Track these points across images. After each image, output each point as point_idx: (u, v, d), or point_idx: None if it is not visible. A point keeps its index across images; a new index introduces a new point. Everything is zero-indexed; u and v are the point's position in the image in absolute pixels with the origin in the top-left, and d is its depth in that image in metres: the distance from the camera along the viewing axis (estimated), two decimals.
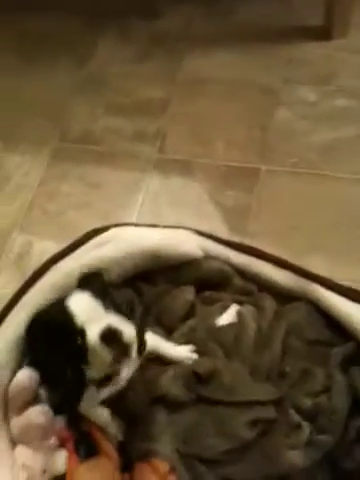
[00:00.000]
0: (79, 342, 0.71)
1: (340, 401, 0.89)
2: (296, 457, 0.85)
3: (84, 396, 0.81)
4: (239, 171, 1.33)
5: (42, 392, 0.93)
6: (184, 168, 1.38)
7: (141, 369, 0.87)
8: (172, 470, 0.83)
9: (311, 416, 0.89)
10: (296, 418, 0.89)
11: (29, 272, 1.05)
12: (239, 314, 1.01)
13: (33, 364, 0.94)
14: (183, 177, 1.37)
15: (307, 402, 0.90)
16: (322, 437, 0.87)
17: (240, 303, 1.05)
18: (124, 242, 1.02)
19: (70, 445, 0.90)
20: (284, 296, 1.04)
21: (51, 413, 0.91)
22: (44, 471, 0.88)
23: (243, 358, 0.94)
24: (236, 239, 1.13)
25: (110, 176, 1.43)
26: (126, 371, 0.83)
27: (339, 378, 0.92)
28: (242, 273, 1.08)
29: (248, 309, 1.01)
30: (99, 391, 0.82)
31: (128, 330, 0.72)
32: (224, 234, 1.18)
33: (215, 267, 1.08)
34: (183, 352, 0.95)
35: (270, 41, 1.58)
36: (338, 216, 1.23)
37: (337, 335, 0.97)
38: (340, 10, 1.48)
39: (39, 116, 1.61)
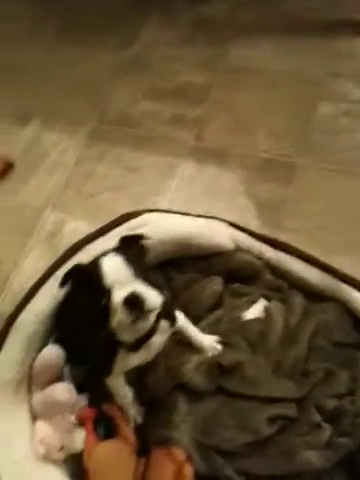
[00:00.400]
0: (104, 301, 0.72)
1: None
2: (313, 457, 0.85)
3: (116, 360, 0.82)
4: (276, 164, 1.31)
5: (67, 369, 0.94)
6: (220, 157, 1.37)
7: (165, 356, 0.87)
8: (188, 459, 0.83)
9: (333, 418, 0.88)
10: (317, 418, 0.88)
11: (60, 250, 1.06)
12: (267, 310, 1.00)
13: (61, 340, 0.96)
14: (219, 166, 1.35)
15: (330, 403, 0.89)
16: (342, 440, 0.86)
17: (268, 298, 1.04)
18: (157, 228, 1.02)
19: (89, 425, 0.91)
20: (314, 295, 1.03)
21: (74, 391, 0.92)
22: (61, 447, 0.90)
23: (267, 354, 0.93)
24: (268, 233, 1.11)
25: (146, 160, 1.43)
26: (158, 339, 0.83)
27: None
28: (273, 268, 1.07)
29: (276, 305, 1.00)
30: (130, 357, 0.82)
31: (153, 299, 0.72)
32: (256, 227, 1.16)
33: (246, 260, 1.07)
34: (209, 341, 0.95)
35: (317, 34, 1.54)
36: None
37: None
38: None
39: (79, 96, 1.61)
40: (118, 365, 0.83)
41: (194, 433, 0.86)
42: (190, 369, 0.90)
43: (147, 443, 0.88)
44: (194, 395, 0.90)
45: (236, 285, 1.07)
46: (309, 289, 1.03)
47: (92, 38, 1.76)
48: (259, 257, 1.08)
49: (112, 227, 1.04)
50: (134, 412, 0.92)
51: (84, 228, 1.28)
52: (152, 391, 0.91)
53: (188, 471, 0.82)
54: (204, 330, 0.97)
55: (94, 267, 0.76)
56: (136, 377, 0.91)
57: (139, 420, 0.92)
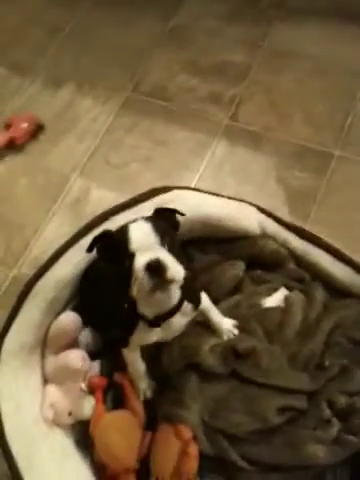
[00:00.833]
0: (126, 264, 0.72)
1: None
2: (320, 452, 0.84)
3: (135, 332, 0.82)
4: (312, 152, 1.28)
5: (84, 335, 0.94)
6: (254, 139, 1.34)
7: (181, 334, 0.86)
8: (194, 438, 0.83)
9: (343, 415, 0.87)
10: (327, 413, 0.87)
11: (83, 218, 1.05)
12: (287, 299, 0.99)
13: (84, 305, 0.96)
14: (252, 149, 1.33)
15: (341, 400, 0.88)
16: (351, 437, 0.85)
17: (290, 288, 1.02)
18: (185, 205, 0.99)
19: (99, 393, 0.92)
20: (337, 289, 1.01)
21: (87, 359, 0.93)
22: (70, 413, 0.91)
23: (283, 344, 0.92)
24: (295, 222, 1.09)
25: (177, 135, 1.40)
26: (179, 320, 0.82)
27: None
28: (297, 258, 1.05)
29: (297, 296, 0.99)
30: (149, 332, 0.82)
31: (175, 270, 0.71)
32: (283, 215, 1.13)
33: (270, 247, 1.05)
34: (227, 324, 0.94)
35: None
36: None
37: None
38: None
39: (116, 64, 1.58)
40: (136, 338, 0.83)
41: (203, 414, 0.87)
42: (205, 350, 0.90)
43: (155, 418, 0.89)
44: (206, 376, 0.90)
45: (258, 272, 1.06)
46: (333, 283, 1.01)
47: (134, 5, 1.71)
48: (284, 245, 1.06)
49: (140, 200, 1.02)
50: (145, 386, 0.92)
51: (109, 197, 1.28)
52: (165, 368, 0.91)
53: (194, 450, 0.82)
54: (222, 313, 0.95)
55: (121, 232, 0.75)
56: (151, 353, 0.91)
57: (149, 395, 0.92)
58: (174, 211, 0.81)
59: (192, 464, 0.83)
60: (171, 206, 0.98)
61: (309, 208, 1.19)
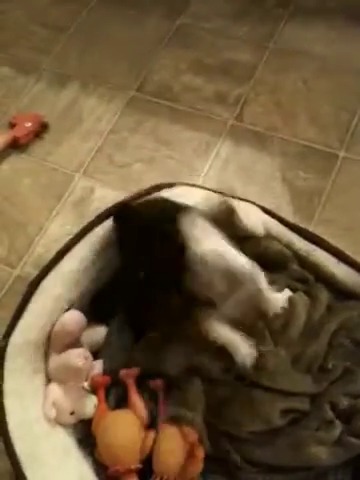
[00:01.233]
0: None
1: None
2: (322, 453, 0.84)
3: None
4: (317, 153, 1.27)
5: (87, 334, 0.94)
6: (259, 139, 1.33)
7: (186, 335, 0.86)
8: (200, 440, 0.83)
9: (346, 416, 0.87)
10: (330, 415, 0.87)
11: (87, 216, 1.05)
12: (291, 300, 0.98)
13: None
14: (256, 149, 1.32)
15: (344, 402, 0.88)
16: (354, 440, 0.85)
17: (293, 290, 1.01)
18: (188, 201, 0.99)
19: (101, 393, 0.92)
20: (340, 291, 1.01)
21: (90, 358, 0.93)
22: (72, 412, 0.91)
23: (287, 346, 0.92)
24: (300, 223, 1.08)
25: (182, 135, 1.40)
26: None
27: None
28: (301, 260, 1.05)
29: (301, 297, 0.98)
30: None
31: None
32: (288, 215, 1.12)
33: (274, 248, 1.05)
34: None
35: None
36: None
37: None
38: None
39: (120, 63, 1.58)
40: None
41: (206, 415, 0.86)
42: (207, 357, 0.89)
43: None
44: (210, 377, 0.89)
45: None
46: (336, 285, 1.01)
47: (140, 4, 1.71)
48: (288, 246, 1.05)
49: (142, 196, 1.02)
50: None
51: (113, 197, 1.27)
52: (168, 368, 0.90)
53: (200, 453, 0.82)
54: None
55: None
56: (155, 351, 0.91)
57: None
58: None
59: (198, 466, 0.83)
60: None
61: (313, 209, 1.19)
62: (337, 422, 0.87)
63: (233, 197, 1.05)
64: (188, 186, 1.06)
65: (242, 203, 1.04)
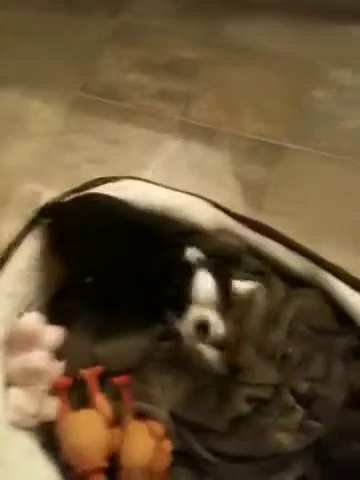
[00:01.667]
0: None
1: (336, 391, 0.89)
2: (285, 439, 0.85)
3: None
4: (265, 146, 1.30)
5: (48, 335, 0.91)
6: (207, 135, 1.34)
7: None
8: (167, 434, 0.83)
9: (306, 401, 0.88)
10: (291, 400, 0.88)
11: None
12: (250, 291, 0.99)
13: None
14: (205, 144, 1.33)
15: (304, 386, 0.89)
16: (314, 423, 0.86)
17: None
18: (135, 193, 0.99)
19: (63, 394, 0.90)
20: (294, 280, 1.02)
21: (51, 360, 0.90)
22: (35, 416, 0.88)
23: (251, 336, 0.92)
24: (252, 215, 1.10)
25: (130, 134, 1.39)
26: None
27: (339, 368, 0.91)
28: (254, 251, 1.06)
29: (260, 288, 0.99)
30: None
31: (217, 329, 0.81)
32: (240, 208, 1.15)
33: (226, 242, 1.05)
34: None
35: (322, 18, 1.52)
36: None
37: (344, 326, 0.95)
38: None
39: (64, 64, 1.55)
40: None
41: (171, 408, 0.85)
42: None
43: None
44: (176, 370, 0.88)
45: None
46: (289, 273, 1.02)
47: (79, 5, 1.69)
48: (241, 240, 1.06)
49: (87, 188, 1.01)
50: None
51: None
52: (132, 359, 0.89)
53: (167, 446, 0.81)
54: None
55: None
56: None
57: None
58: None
59: (165, 460, 0.82)
60: (120, 193, 0.98)
61: (263, 200, 1.21)
62: (298, 407, 0.87)
63: (180, 191, 1.05)
64: (133, 180, 1.06)
65: (189, 197, 1.04)
